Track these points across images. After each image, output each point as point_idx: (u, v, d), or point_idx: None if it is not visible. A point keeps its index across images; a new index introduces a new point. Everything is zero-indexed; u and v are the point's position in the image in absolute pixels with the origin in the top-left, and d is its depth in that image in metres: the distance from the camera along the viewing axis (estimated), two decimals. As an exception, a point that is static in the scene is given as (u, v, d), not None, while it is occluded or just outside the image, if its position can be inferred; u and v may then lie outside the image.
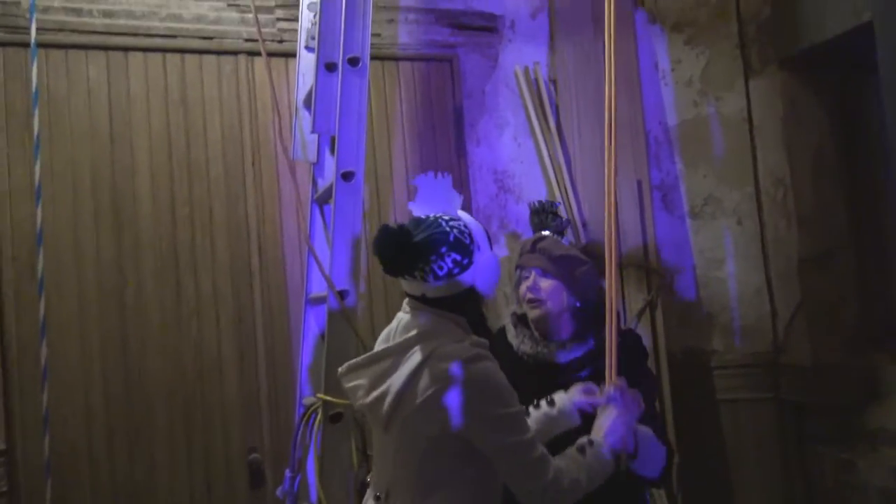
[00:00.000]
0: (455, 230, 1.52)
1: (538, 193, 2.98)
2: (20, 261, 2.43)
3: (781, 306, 2.80)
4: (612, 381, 1.71)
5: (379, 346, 1.64)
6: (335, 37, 2.02)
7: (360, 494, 1.94)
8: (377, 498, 1.60)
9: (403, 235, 1.49)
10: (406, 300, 1.62)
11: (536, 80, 3.02)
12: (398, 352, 1.55)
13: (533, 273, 1.91)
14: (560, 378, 1.83)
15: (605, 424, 1.64)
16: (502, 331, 2.02)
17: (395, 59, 2.90)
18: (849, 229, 2.79)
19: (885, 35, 1.40)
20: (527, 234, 2.97)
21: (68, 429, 2.44)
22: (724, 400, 2.78)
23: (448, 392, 1.46)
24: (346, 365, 1.63)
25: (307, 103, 2.25)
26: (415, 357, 1.51)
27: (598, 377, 1.77)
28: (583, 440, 1.59)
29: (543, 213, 2.08)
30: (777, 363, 2.78)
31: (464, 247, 1.52)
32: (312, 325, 2.19)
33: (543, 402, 1.75)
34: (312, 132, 2.11)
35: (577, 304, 1.90)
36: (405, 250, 1.49)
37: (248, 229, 2.69)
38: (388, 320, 1.68)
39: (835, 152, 2.80)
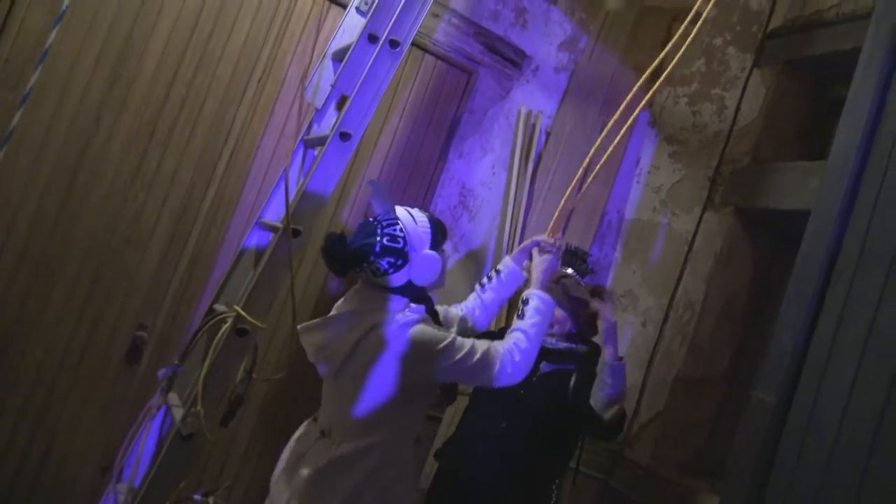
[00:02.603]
0: (386, 237, 1.81)
1: (491, 222, 3.21)
2: (12, 64, 2.48)
3: (644, 408, 3.08)
4: (549, 233, 2.19)
5: (334, 311, 1.93)
6: (389, 14, 2.18)
7: (230, 406, 2.10)
8: (322, 432, 1.89)
9: (340, 246, 1.80)
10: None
11: (534, 126, 3.25)
12: (349, 318, 1.85)
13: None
14: (544, 357, 2.36)
15: (537, 269, 2.06)
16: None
17: (425, 49, 3.07)
18: (728, 367, 3.11)
19: (813, 231, 1.67)
20: (463, 251, 3.20)
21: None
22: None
23: (389, 349, 1.76)
24: (303, 325, 1.93)
25: (336, 57, 2.39)
26: (362, 324, 1.80)
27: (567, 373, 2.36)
28: (520, 301, 1.98)
29: (575, 257, 2.53)
30: (619, 453, 3.07)
31: (395, 251, 1.81)
32: (253, 246, 2.32)
33: (493, 273, 2.21)
34: (331, 85, 2.26)
35: (573, 330, 2.45)
36: (342, 259, 1.81)
37: (228, 135, 2.80)
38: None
39: (746, 304, 3.11)
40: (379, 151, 3.05)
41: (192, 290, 2.79)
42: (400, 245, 1.81)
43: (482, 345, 1.85)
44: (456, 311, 2.25)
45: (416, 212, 1.90)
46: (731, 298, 3.07)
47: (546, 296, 2.00)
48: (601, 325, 2.35)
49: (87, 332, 2.66)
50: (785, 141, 3.11)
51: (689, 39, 2.12)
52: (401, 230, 1.82)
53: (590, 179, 2.35)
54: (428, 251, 1.85)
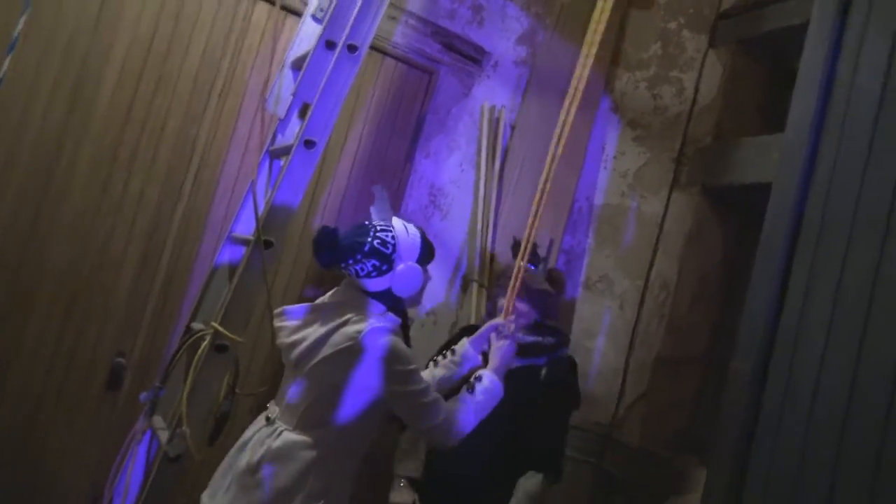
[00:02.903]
0: (377, 240, 1.86)
1: (463, 218, 3.23)
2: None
3: (629, 390, 3.12)
4: (507, 314, 2.21)
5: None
6: (345, 20, 2.18)
7: (216, 423, 2.10)
8: (267, 419, 1.91)
9: (332, 238, 1.85)
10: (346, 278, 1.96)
11: (498, 120, 3.27)
12: (325, 311, 1.88)
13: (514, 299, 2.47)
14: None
15: (496, 355, 2.07)
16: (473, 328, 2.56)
17: (384, 52, 3.08)
18: (706, 344, 3.16)
19: (776, 203, 1.71)
20: (441, 250, 3.19)
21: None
22: (553, 452, 3.07)
23: (357, 349, 1.77)
24: (280, 308, 1.97)
25: (295, 66, 2.39)
26: (336, 318, 1.83)
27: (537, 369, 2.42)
28: (472, 379, 1.98)
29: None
30: (608, 436, 3.10)
31: (382, 255, 1.86)
32: (226, 261, 2.31)
33: (449, 353, 2.18)
34: (292, 94, 2.26)
35: (538, 320, 2.48)
36: (330, 250, 1.85)
37: (192, 153, 2.78)
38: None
39: (719, 281, 3.17)
40: (345, 157, 3.05)
41: (168, 310, 2.77)
42: (388, 251, 1.86)
43: (435, 393, 1.88)
44: None
45: (410, 226, 1.97)
46: (704, 277, 3.12)
47: (499, 383, 2.01)
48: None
49: (64, 363, 2.63)
50: (745, 117, 3.17)
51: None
52: (392, 237, 1.88)
53: (553, 166, 2.35)
54: (413, 264, 1.90)
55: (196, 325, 2.24)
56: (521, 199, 3.19)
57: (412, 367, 1.83)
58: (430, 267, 3.13)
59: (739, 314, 1.78)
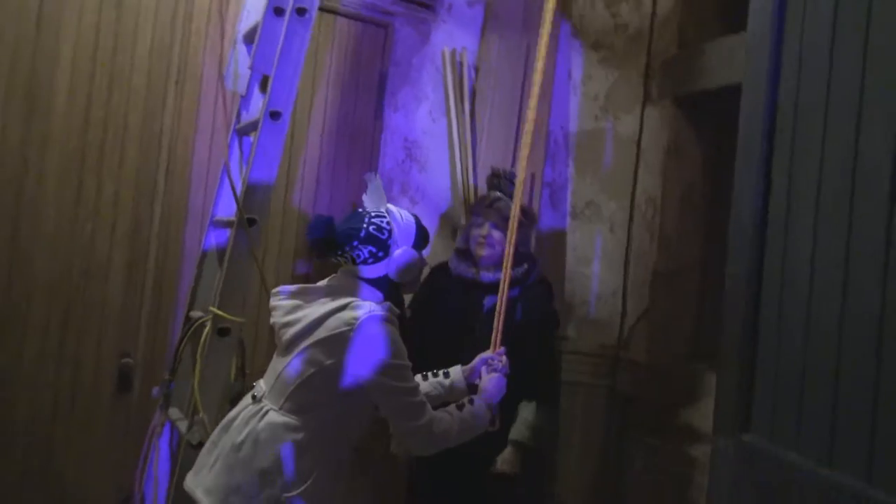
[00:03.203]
0: (372, 226, 1.84)
1: (442, 167, 3.21)
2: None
3: (631, 309, 3.16)
4: (497, 347, 2.15)
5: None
6: (288, -16, 2.14)
7: (231, 405, 2.11)
8: (253, 397, 1.89)
9: (327, 226, 1.82)
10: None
11: (461, 63, 3.23)
12: (323, 293, 1.86)
13: (487, 225, 2.58)
14: (487, 292, 2.46)
15: (488, 388, 2.03)
16: (444, 264, 2.73)
17: (335, 12, 3.01)
18: (700, 256, 3.19)
19: (748, 100, 1.71)
20: (424, 203, 3.20)
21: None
22: (566, 381, 3.11)
23: (351, 335, 1.75)
24: (278, 287, 1.94)
25: (247, 39, 2.34)
26: (333, 303, 1.80)
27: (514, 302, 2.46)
28: (464, 399, 1.95)
29: (503, 179, 2.68)
30: (617, 357, 3.15)
31: (378, 241, 1.84)
32: (213, 246, 2.30)
33: (440, 373, 2.12)
34: (249, 68, 2.22)
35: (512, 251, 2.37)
36: (326, 238, 1.82)
37: (160, 145, 2.74)
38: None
39: (702, 188, 3.18)
40: (314, 126, 3.02)
41: (164, 304, 2.76)
42: (384, 237, 1.85)
43: (424, 397, 1.85)
44: None
45: (403, 212, 1.95)
46: (688, 187, 3.13)
47: (486, 415, 1.97)
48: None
49: (70, 374, 2.63)
50: (706, 21, 3.13)
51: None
52: (388, 223, 1.87)
53: (536, 93, 2.29)
54: (409, 248, 1.89)
55: (195, 314, 2.24)
56: (496, 139, 3.17)
57: (405, 363, 1.81)
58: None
59: (728, 219, 1.79)
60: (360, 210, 1.91)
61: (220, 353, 2.02)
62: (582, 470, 3.09)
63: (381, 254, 1.85)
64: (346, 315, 1.77)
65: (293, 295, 1.89)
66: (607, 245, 3.19)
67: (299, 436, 1.77)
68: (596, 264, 3.19)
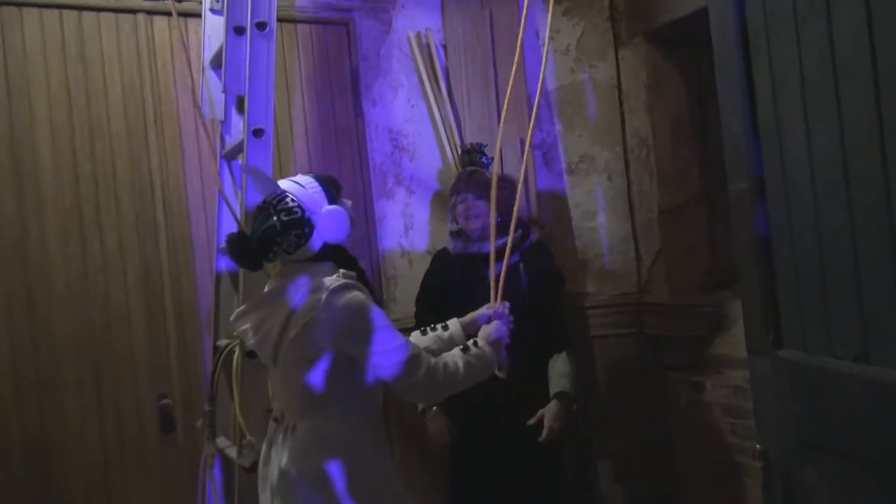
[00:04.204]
0: (282, 213, 1.73)
1: (430, 151, 3.22)
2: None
3: (645, 253, 3.16)
4: (498, 301, 2.12)
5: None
6: (243, 2, 2.13)
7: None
8: (275, 419, 1.86)
9: (243, 243, 1.75)
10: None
11: (428, 44, 3.22)
12: (276, 295, 1.78)
13: (469, 197, 2.61)
14: (488, 263, 2.30)
15: (490, 330, 1.99)
16: (443, 250, 2.76)
17: (294, 21, 3.02)
18: (701, 186, 3.18)
19: (716, 19, 1.70)
20: (420, 189, 3.21)
21: (-25, 383, 2.47)
22: (595, 336, 3.13)
23: (321, 317, 1.69)
24: (235, 312, 1.87)
25: (214, 64, 2.35)
26: (291, 297, 1.74)
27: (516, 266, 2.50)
28: (468, 342, 1.91)
29: (474, 153, 2.75)
30: (640, 302, 3.15)
31: (297, 221, 1.73)
32: (225, 273, 2.32)
33: (439, 326, 2.07)
34: (222, 92, 2.23)
35: (499, 218, 2.39)
36: (250, 254, 1.76)
37: (153, 185, 2.77)
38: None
39: (690, 118, 3.17)
40: (298, 135, 3.03)
41: (190, 337, 2.80)
42: (298, 214, 1.74)
43: (413, 345, 1.79)
44: None
45: (300, 178, 1.85)
46: (676, 119, 3.12)
47: (494, 355, 1.92)
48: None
49: (113, 424, 2.67)
50: (662, -48, 3.11)
51: None
52: (292, 200, 1.75)
53: (516, 61, 2.28)
54: (328, 207, 1.79)
55: (221, 342, 2.26)
56: (477, 111, 3.17)
57: (382, 323, 1.75)
58: (419, 206, 3.18)
59: (721, 140, 1.78)
60: (260, 205, 1.79)
61: (253, 375, 2.04)
62: (627, 418, 3.11)
63: (306, 230, 1.75)
64: (310, 300, 1.70)
65: (251, 311, 1.83)
66: (608, 194, 3.19)
67: (331, 433, 1.75)
68: (601, 215, 3.18)
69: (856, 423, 1.34)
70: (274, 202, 1.75)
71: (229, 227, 2.28)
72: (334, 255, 1.82)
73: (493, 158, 2.57)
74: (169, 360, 2.76)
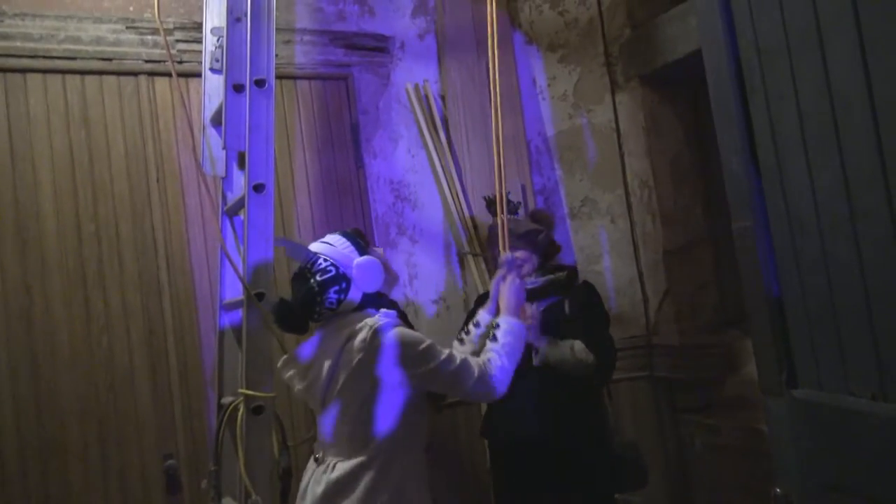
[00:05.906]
0: (318, 275, 1.86)
1: (432, 201, 3.23)
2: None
3: (651, 294, 3.14)
4: (505, 251, 2.23)
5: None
6: (242, 61, 2.16)
7: (282, 481, 2.10)
8: (315, 459, 1.91)
9: (287, 307, 1.89)
10: None
11: (427, 95, 3.26)
12: (322, 341, 1.90)
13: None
14: (533, 299, 2.35)
15: (506, 301, 2.07)
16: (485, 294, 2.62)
17: (293, 77, 3.06)
18: (705, 225, 3.17)
19: (710, 60, 1.71)
20: (423, 238, 3.21)
21: (-22, 449, 2.44)
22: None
23: (370, 355, 1.77)
24: (282, 359, 1.98)
25: (215, 122, 2.37)
26: (338, 342, 1.83)
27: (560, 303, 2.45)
28: (493, 328, 2.00)
29: (495, 203, 2.60)
30: (650, 345, 3.12)
31: (333, 278, 1.86)
32: (228, 329, 2.30)
33: (471, 326, 2.18)
34: (223, 149, 2.24)
35: (540, 262, 2.49)
36: (296, 316, 1.89)
37: (155, 244, 2.77)
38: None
39: (690, 158, 3.18)
40: (300, 190, 3.04)
41: (194, 396, 2.76)
42: (333, 272, 1.86)
43: (459, 354, 1.88)
44: None
45: (329, 238, 1.96)
46: (676, 160, 3.14)
47: (516, 321, 2.02)
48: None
49: (118, 488, 2.62)
50: (653, -3, 3.17)
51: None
52: (325, 260, 1.88)
53: (499, 109, 2.31)
54: (359, 259, 1.89)
55: (226, 399, 2.23)
56: (477, 160, 3.19)
57: (426, 342, 1.83)
58: (422, 255, 3.17)
59: (722, 181, 1.78)
60: (297, 272, 1.92)
61: (258, 432, 2.01)
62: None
63: (343, 285, 1.87)
64: (357, 341, 1.79)
65: (296, 359, 1.93)
66: (613, 236, 3.18)
67: (373, 469, 1.79)
68: (606, 259, 3.17)
69: (877, 462, 1.30)
70: (309, 266, 1.89)
71: (232, 283, 2.27)
72: (375, 302, 1.94)
73: (519, 202, 2.60)
74: (174, 419, 2.72)
